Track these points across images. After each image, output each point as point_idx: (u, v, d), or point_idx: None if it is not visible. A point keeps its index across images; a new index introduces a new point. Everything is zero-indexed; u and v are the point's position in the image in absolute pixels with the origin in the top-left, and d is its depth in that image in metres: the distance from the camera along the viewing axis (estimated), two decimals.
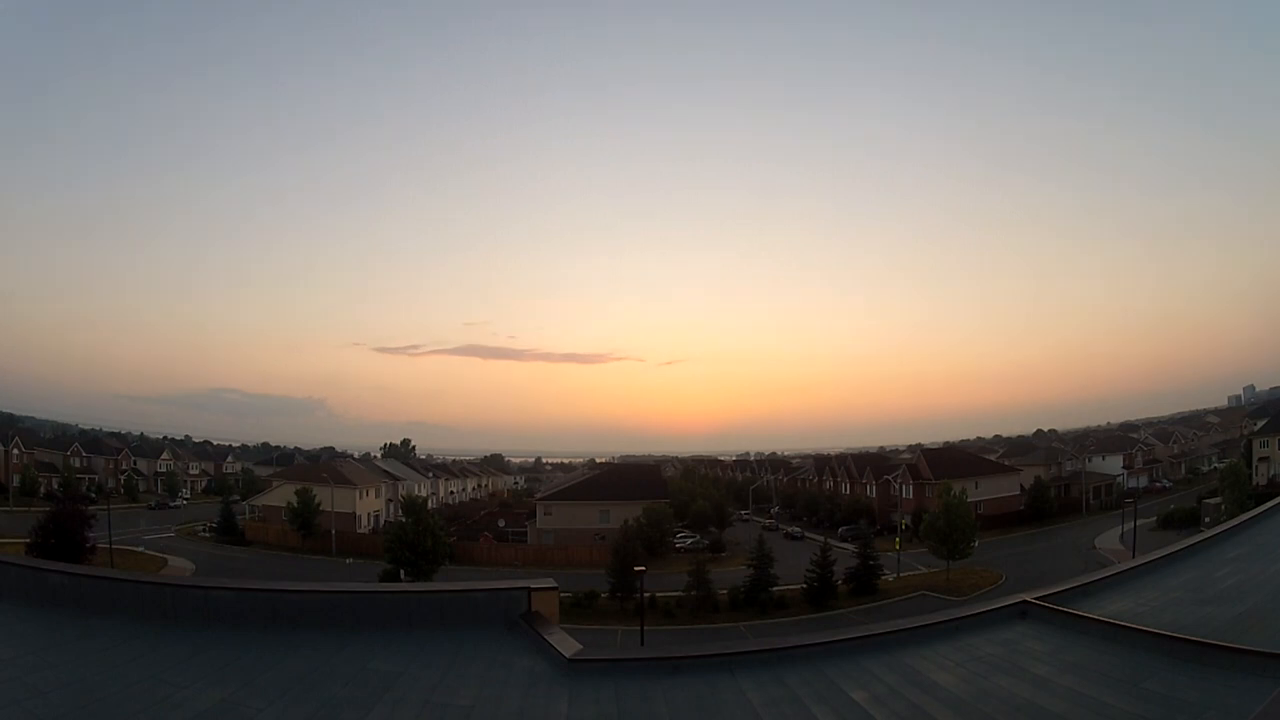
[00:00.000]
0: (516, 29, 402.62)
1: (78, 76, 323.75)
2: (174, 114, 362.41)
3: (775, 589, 60.12)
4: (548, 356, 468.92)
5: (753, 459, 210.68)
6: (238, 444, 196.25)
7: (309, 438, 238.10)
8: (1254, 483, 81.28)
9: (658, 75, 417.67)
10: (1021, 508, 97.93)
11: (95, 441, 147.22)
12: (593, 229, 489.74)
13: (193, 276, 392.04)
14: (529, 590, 8.99)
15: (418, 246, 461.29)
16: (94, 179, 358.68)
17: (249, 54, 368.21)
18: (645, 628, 46.66)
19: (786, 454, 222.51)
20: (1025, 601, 8.94)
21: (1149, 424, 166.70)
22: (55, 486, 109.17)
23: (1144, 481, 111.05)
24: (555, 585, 9.42)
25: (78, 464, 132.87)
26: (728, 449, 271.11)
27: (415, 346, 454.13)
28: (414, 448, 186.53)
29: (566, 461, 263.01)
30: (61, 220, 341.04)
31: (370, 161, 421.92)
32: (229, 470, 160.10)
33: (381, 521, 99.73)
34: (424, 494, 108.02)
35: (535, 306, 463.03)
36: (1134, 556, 20.54)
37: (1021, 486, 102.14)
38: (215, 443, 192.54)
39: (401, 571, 60.85)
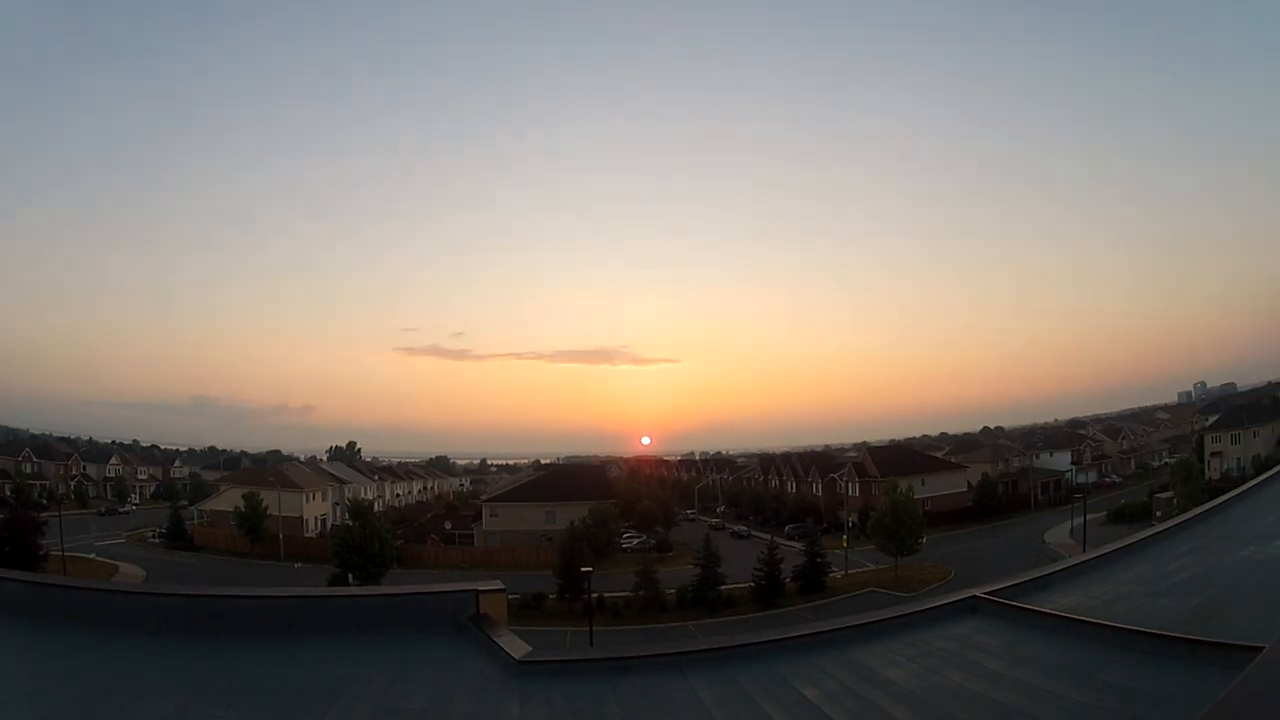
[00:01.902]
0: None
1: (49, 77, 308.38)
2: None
3: (723, 588, 60.57)
4: (493, 356, 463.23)
5: (698, 459, 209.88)
6: (185, 448, 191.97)
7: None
8: (1207, 477, 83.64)
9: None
10: (969, 504, 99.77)
11: (45, 446, 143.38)
12: (538, 227, 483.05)
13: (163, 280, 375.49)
14: (477, 592, 8.82)
15: (360, 245, 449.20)
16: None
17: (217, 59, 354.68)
18: (594, 628, 46.80)
19: (731, 453, 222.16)
20: (975, 596, 8.97)
21: (1097, 420, 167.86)
22: (8, 493, 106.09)
23: (1093, 477, 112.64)
24: (503, 587, 9.26)
25: (29, 469, 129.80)
26: (672, 449, 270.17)
27: (361, 346, 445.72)
28: (359, 450, 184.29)
29: (511, 463, 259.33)
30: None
31: (298, 160, 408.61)
32: (176, 475, 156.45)
33: (328, 525, 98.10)
34: (370, 497, 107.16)
35: (480, 305, 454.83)
36: (1085, 551, 20.88)
37: (969, 483, 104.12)
38: (163, 446, 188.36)
39: (349, 575, 60.11)
